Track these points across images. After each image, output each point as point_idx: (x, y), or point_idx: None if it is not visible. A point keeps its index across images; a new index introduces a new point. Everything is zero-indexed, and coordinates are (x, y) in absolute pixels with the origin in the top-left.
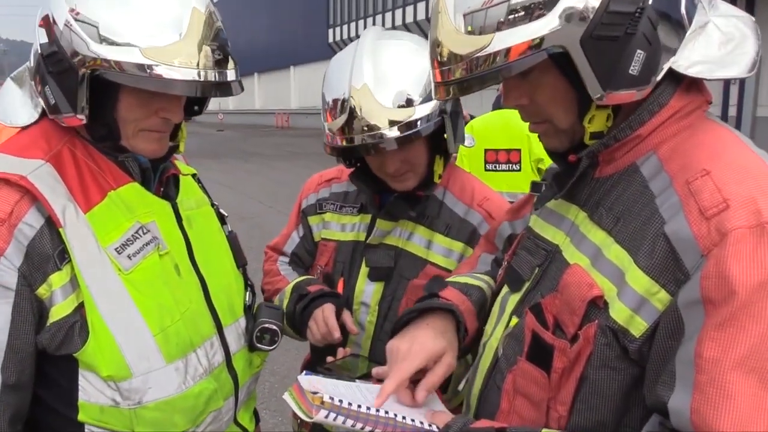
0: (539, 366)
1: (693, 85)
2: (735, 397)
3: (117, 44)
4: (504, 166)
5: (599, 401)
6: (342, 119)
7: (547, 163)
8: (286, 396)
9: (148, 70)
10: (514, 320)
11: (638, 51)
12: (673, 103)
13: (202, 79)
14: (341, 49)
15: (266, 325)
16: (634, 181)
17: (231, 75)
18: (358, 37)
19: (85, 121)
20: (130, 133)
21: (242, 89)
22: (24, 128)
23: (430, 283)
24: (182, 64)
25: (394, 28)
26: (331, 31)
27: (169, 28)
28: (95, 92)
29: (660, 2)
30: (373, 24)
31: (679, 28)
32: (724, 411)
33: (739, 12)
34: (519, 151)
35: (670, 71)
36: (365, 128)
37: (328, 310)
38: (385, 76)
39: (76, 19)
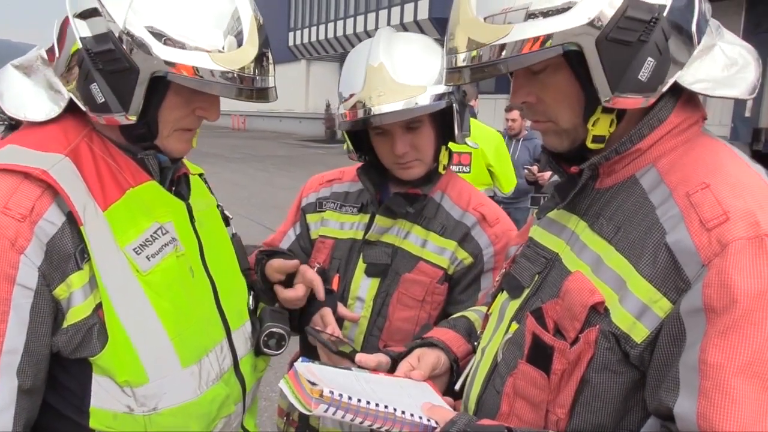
0: (539, 367)
1: (690, 100)
2: (739, 401)
3: (184, 47)
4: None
5: (599, 404)
6: (358, 95)
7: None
8: (282, 384)
9: (217, 76)
10: (514, 326)
11: (649, 58)
12: (672, 119)
13: (258, 85)
14: (301, 52)
15: (273, 329)
16: (634, 193)
17: (273, 81)
18: (318, 41)
19: (134, 121)
20: (166, 133)
21: (276, 96)
22: (40, 123)
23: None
24: (244, 70)
25: (354, 34)
26: (291, 34)
27: (232, 32)
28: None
29: (674, 15)
30: (334, 28)
31: (689, 43)
32: (730, 415)
33: (742, 42)
34: (469, 154)
35: (673, 85)
36: (380, 102)
37: (327, 316)
38: (399, 59)
39: (138, 20)
